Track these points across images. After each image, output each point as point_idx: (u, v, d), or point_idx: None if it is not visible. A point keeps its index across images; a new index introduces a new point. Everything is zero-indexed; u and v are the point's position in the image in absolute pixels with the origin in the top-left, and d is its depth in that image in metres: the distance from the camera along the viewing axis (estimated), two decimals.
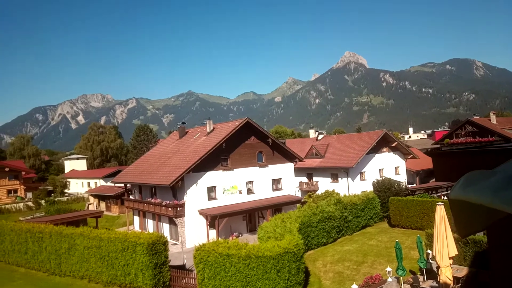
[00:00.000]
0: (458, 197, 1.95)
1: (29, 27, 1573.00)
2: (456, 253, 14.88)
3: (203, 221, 29.80)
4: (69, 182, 73.59)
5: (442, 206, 15.04)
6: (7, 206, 53.67)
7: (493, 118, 52.20)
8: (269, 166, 34.57)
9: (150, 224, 34.73)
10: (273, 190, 34.74)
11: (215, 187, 31.10)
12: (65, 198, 60.67)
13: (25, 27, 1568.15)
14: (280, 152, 35.57)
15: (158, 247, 19.06)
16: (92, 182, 65.79)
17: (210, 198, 30.74)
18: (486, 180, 1.78)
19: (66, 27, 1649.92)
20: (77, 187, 71.22)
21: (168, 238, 23.87)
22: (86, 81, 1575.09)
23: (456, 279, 15.51)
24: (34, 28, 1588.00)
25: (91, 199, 54.52)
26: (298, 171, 42.04)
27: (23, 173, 64.49)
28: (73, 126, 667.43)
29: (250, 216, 33.30)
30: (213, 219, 28.92)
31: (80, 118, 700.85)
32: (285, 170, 35.83)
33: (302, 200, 35.81)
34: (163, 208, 30.18)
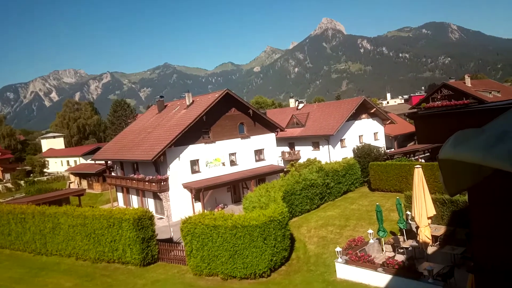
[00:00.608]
0: (448, 156, 2.01)
1: None
2: (434, 213, 15.56)
3: (188, 195, 29.95)
4: (48, 161, 72.02)
5: (420, 169, 15.55)
6: None
7: (468, 81, 53.28)
8: (251, 137, 34.64)
9: (134, 200, 34.68)
10: (256, 160, 35.00)
11: (198, 160, 31.08)
12: (45, 178, 59.58)
13: None
14: (261, 122, 35.60)
15: (144, 222, 19.18)
16: (72, 160, 64.57)
17: (193, 171, 30.76)
18: (476, 139, 1.84)
19: (36, 1, 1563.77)
20: (56, 166, 69.83)
21: (154, 213, 23.98)
22: (58, 56, 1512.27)
23: (434, 238, 16.29)
24: (2, 2, 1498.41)
25: (72, 177, 53.74)
26: (280, 141, 42.35)
27: None
28: (47, 103, 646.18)
29: (235, 188, 33.63)
30: (198, 192, 29.09)
31: (53, 95, 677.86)
32: (267, 141, 36.02)
33: (285, 169, 36.30)
34: (147, 183, 30.09)
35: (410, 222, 18.19)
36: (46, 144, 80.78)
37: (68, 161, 65.85)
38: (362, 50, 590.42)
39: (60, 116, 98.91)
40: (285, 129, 40.01)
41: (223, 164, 32.56)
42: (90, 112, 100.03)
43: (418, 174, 15.31)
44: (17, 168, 65.93)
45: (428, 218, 15.11)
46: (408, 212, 18.47)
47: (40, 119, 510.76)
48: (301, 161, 40.08)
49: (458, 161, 1.97)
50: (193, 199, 29.83)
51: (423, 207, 14.90)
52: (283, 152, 44.35)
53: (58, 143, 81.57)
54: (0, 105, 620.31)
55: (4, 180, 58.95)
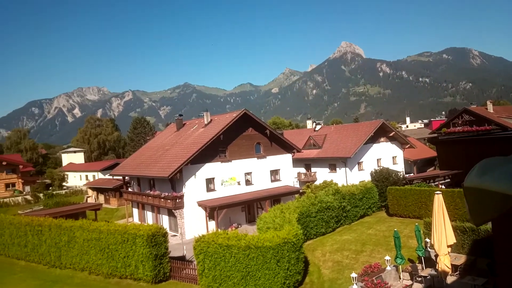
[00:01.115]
0: (474, 184, 1.92)
1: (24, 21, 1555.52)
2: (454, 241, 15.01)
3: (202, 213, 29.88)
4: (67, 175, 73.43)
5: (440, 195, 15.11)
6: (5, 200, 53.57)
7: (490, 107, 52.25)
8: (267, 157, 34.59)
9: (149, 216, 34.79)
10: (272, 181, 34.81)
11: (213, 178, 31.13)
12: (63, 191, 60.62)
13: (20, 21, 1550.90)
14: (278, 143, 35.58)
15: (158, 238, 19.14)
16: (90, 175, 65.65)
17: (208, 189, 30.77)
18: (503, 167, 1.75)
19: (61, 21, 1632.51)
20: (75, 180, 71.07)
21: (168, 230, 23.96)
22: (82, 74, 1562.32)
23: (454, 267, 15.67)
24: (29, 22, 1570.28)
25: (90, 192, 54.49)
26: (296, 162, 42.12)
27: (21, 166, 64.31)
28: (70, 119, 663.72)
29: (249, 207, 33.41)
30: (212, 210, 29.00)
31: (76, 111, 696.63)
32: (283, 161, 35.88)
33: (301, 190, 35.93)
34: (162, 200, 30.21)
35: (429, 249, 17.59)
36: (67, 158, 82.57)
37: (87, 176, 66.98)
38: (381, 74, 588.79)
39: (81, 131, 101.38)
40: (302, 150, 39.84)
41: (239, 183, 32.49)
42: (110, 129, 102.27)
43: (438, 201, 14.87)
44: (37, 181, 67.36)
45: (448, 246, 14.58)
46: (427, 239, 17.88)
47: (63, 134, 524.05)
48: (317, 182, 39.64)
49: (484, 190, 1.88)
50: (207, 218, 29.72)
51: (443, 235, 14.41)
52: (299, 173, 44.02)
53: (78, 157, 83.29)
54: (25, 120, 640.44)
55: (24, 192, 60.19)
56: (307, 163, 44.58)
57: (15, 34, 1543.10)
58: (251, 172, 33.48)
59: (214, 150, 31.03)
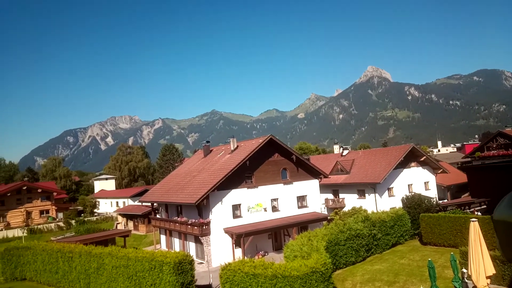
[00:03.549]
0: (504, 218, 1.82)
1: (60, 56, 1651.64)
2: (494, 272, 14.15)
3: (228, 240, 29.66)
4: (98, 202, 75.27)
5: (476, 222, 14.41)
6: (39, 226, 55.30)
7: None
8: (293, 183, 34.27)
9: (176, 243, 34.87)
10: (299, 207, 34.32)
11: (240, 205, 31.03)
12: (94, 218, 62.01)
13: (56, 55, 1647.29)
14: (305, 168, 35.27)
15: (184, 266, 19.03)
16: (121, 201, 67.02)
17: (235, 216, 30.65)
18: None
19: (96, 55, 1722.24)
20: (106, 206, 72.70)
21: (194, 257, 23.87)
22: (115, 103, 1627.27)
23: None
24: (65, 57, 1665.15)
25: (120, 218, 55.46)
26: (324, 188, 41.46)
27: (55, 194, 66.48)
28: (103, 147, 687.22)
29: (276, 234, 32.91)
30: (239, 237, 28.75)
31: (109, 139, 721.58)
32: (310, 187, 35.41)
33: (329, 217, 35.16)
34: (189, 226, 30.29)
35: (466, 281, 16.61)
36: (99, 185, 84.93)
37: (117, 202, 68.41)
38: (409, 97, 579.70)
39: (113, 159, 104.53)
40: (329, 176, 39.26)
41: (265, 209, 32.21)
42: (141, 156, 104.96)
43: (475, 228, 14.16)
44: (70, 207, 69.30)
45: (487, 277, 13.74)
46: (464, 270, 16.93)
47: (96, 161, 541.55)
48: (345, 209, 38.74)
49: None
50: (234, 245, 29.45)
51: (481, 265, 13.62)
52: (326, 200, 43.22)
53: (110, 184, 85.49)
54: (60, 148, 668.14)
55: (57, 219, 61.96)
56: (335, 189, 43.78)
57: (53, 68, 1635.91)
58: (277, 198, 33.19)
59: (240, 176, 31.10)
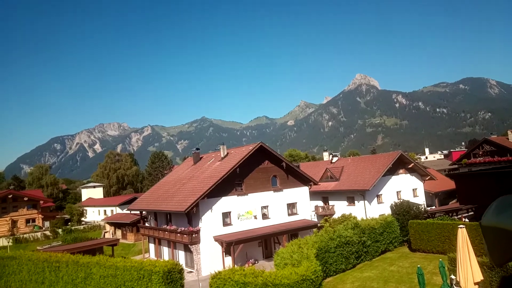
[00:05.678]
0: (491, 223, 1.86)
1: (48, 61, 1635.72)
2: (482, 278, 14.28)
3: (218, 248, 29.46)
4: (86, 210, 74.15)
5: (464, 229, 14.57)
6: (25, 235, 54.19)
7: (511, 137, 51.12)
8: (283, 190, 34.29)
9: (165, 251, 34.49)
10: (289, 214, 34.31)
11: (230, 212, 30.89)
12: (81, 227, 60.97)
13: (43, 59, 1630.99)
14: (295, 175, 35.34)
15: (173, 275, 18.83)
16: (109, 209, 66.15)
17: (225, 224, 30.48)
18: None
19: (84, 61, 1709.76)
20: (93, 215, 71.65)
21: (184, 266, 23.62)
22: (103, 110, 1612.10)
23: None
24: (52, 62, 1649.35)
25: (107, 227, 54.68)
26: (314, 195, 41.55)
27: (41, 202, 65.29)
28: (90, 154, 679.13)
29: (266, 242, 32.81)
30: (229, 245, 28.57)
31: (97, 146, 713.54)
32: (300, 194, 35.47)
33: (319, 224, 35.22)
34: (178, 235, 30.02)
35: (455, 287, 16.75)
36: (86, 193, 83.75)
37: (105, 211, 67.50)
38: (397, 105, 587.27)
39: (101, 166, 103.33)
40: (319, 183, 39.37)
41: (255, 217, 32.11)
42: (129, 163, 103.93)
43: (462, 235, 14.31)
44: (57, 216, 68.08)
45: (475, 283, 13.86)
46: (453, 276, 17.08)
47: (83, 169, 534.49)
48: (335, 216, 38.84)
49: (502, 229, 1.82)
50: (224, 253, 29.25)
51: (469, 271, 13.75)
52: (316, 207, 43.31)
53: (97, 192, 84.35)
54: (47, 155, 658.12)
55: (44, 228, 60.80)
56: (325, 196, 43.92)
57: (41, 74, 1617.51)
58: (267, 206, 33.13)
59: (230, 184, 31.00)
